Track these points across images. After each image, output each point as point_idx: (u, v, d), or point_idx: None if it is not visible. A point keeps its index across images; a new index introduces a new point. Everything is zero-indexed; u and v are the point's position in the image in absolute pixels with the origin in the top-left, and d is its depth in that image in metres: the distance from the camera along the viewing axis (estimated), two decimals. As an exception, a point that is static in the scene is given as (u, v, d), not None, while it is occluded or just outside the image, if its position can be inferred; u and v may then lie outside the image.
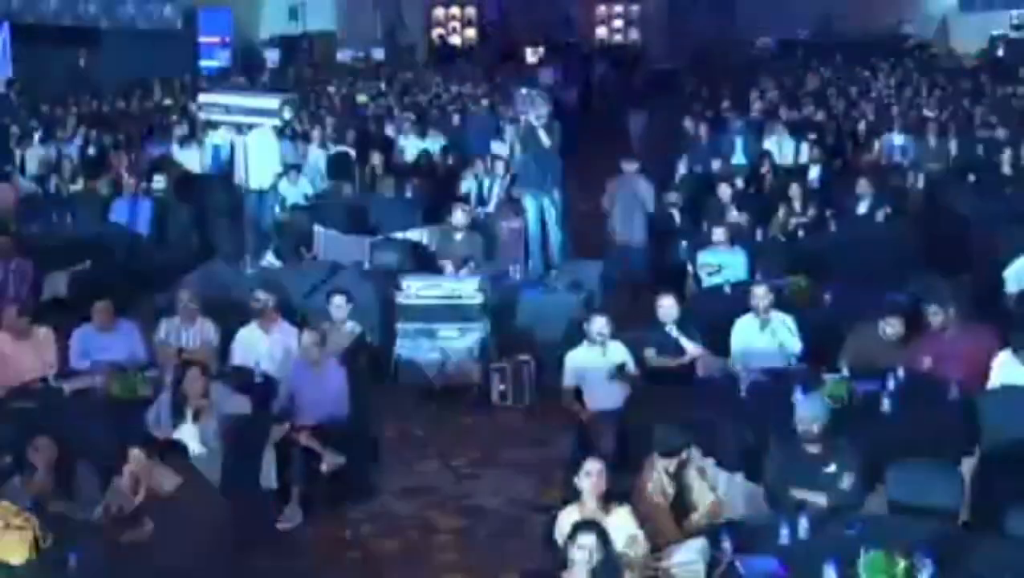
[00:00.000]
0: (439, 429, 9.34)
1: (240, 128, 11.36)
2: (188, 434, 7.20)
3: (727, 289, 10.10)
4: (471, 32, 36.08)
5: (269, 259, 11.18)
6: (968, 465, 7.13)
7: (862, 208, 12.10)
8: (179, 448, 6.42)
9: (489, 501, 8.20)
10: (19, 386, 8.19)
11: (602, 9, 34.11)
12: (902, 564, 5.45)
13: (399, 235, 12.08)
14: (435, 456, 8.87)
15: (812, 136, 15.28)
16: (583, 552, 5.40)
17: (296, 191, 13.68)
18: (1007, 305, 9.60)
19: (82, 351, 8.67)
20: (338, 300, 9.11)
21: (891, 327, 8.28)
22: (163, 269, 11.75)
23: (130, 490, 6.34)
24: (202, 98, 12.44)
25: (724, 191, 12.16)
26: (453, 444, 9.09)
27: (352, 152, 16.04)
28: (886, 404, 7.49)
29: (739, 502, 7.04)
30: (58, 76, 22.21)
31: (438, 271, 10.67)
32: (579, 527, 5.56)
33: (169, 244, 12.62)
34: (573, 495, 6.14)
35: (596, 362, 8.39)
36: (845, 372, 7.83)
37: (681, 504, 6.43)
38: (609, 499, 6.07)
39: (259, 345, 8.80)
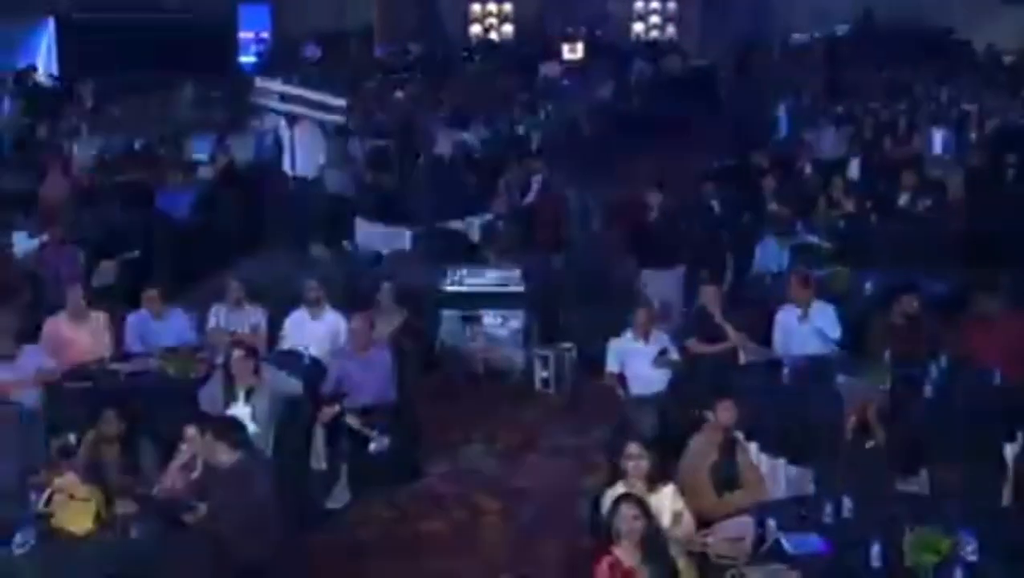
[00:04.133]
0: (482, 414, 9.46)
1: (290, 118, 11.52)
2: (240, 414, 7.36)
3: (768, 279, 10.19)
4: (508, 28, 36.13)
5: (316, 247, 11.31)
6: (1011, 450, 7.18)
7: (903, 200, 12.11)
8: (235, 425, 6.57)
9: (531, 484, 8.33)
10: (77, 367, 8.41)
11: (639, 5, 34.04)
12: (946, 542, 5.54)
13: (442, 225, 12.19)
14: (479, 440, 9.01)
15: (851, 129, 15.28)
16: (628, 523, 5.51)
17: (338, 182, 13.84)
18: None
19: (137, 336, 8.89)
20: (386, 287, 9.26)
21: (906, 306, 8.34)
22: (208, 257, 11.95)
23: (187, 466, 6.51)
24: (259, 83, 12.56)
25: (768, 183, 12.20)
26: (496, 429, 9.22)
27: (391, 145, 16.19)
28: (928, 390, 7.58)
29: (782, 485, 7.14)
30: (103, 71, 22.43)
31: (482, 260, 10.79)
32: (622, 499, 5.68)
33: (214, 233, 12.77)
34: (617, 476, 6.25)
35: (639, 349, 8.50)
36: (887, 358, 7.89)
37: (726, 482, 6.55)
38: (653, 479, 6.19)
39: (308, 330, 8.97)
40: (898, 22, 25.83)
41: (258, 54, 28.66)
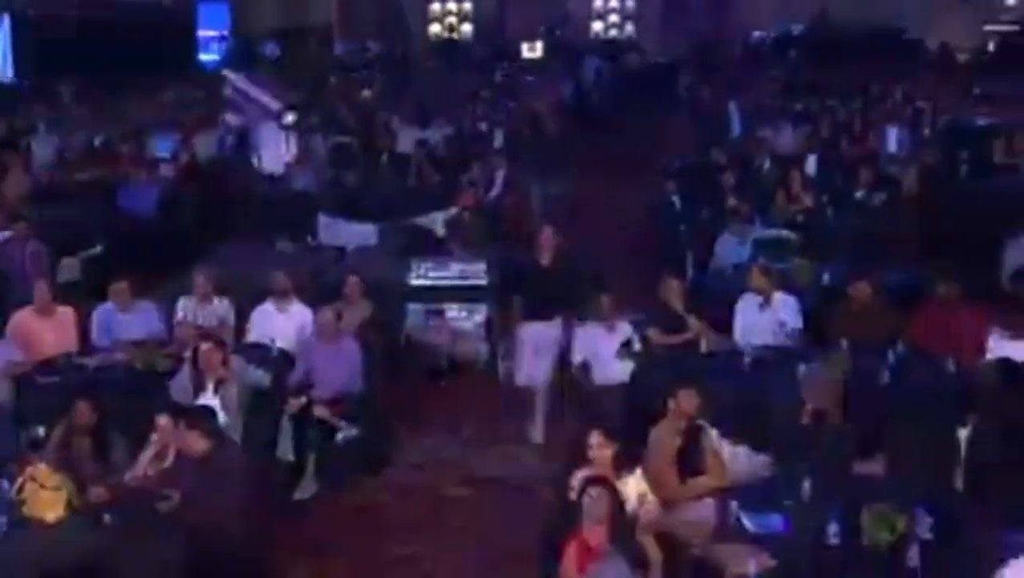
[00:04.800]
0: (448, 404, 9.59)
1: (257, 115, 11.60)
2: (209, 405, 7.42)
3: (729, 271, 10.37)
4: (468, 27, 36.31)
5: (281, 242, 11.38)
6: (963, 434, 7.39)
7: (859, 195, 12.36)
8: (207, 414, 6.66)
9: (496, 472, 8.48)
10: (43, 361, 8.45)
11: (598, 4, 34.33)
12: (902, 520, 5.73)
13: (406, 220, 12.29)
14: (444, 430, 9.13)
15: (809, 127, 15.55)
16: (595, 505, 5.65)
17: (302, 179, 13.91)
18: (1002, 286, 9.87)
19: (103, 329, 8.93)
20: (352, 280, 9.34)
21: (857, 291, 8.61)
22: (172, 253, 11.98)
23: (160, 455, 6.59)
24: (231, 76, 12.60)
25: (727, 179, 12.41)
26: (461, 418, 9.35)
27: (354, 142, 16.28)
28: (885, 376, 7.79)
29: (742, 470, 7.30)
30: (61, 69, 22.34)
31: (447, 254, 10.91)
32: (589, 481, 5.83)
33: (178, 229, 12.81)
34: (584, 462, 6.39)
35: (603, 339, 8.64)
36: (844, 346, 8.10)
37: (690, 467, 6.71)
38: (618, 466, 6.34)
39: (274, 322, 9.05)
40: (853, 22, 26.23)
41: (219, 52, 28.64)
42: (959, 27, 27.29)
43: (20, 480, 6.18)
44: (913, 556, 5.59)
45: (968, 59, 24.52)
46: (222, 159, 14.82)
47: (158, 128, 17.37)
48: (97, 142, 16.64)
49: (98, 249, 11.99)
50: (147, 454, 6.63)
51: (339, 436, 8.05)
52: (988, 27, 28.58)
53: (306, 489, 7.96)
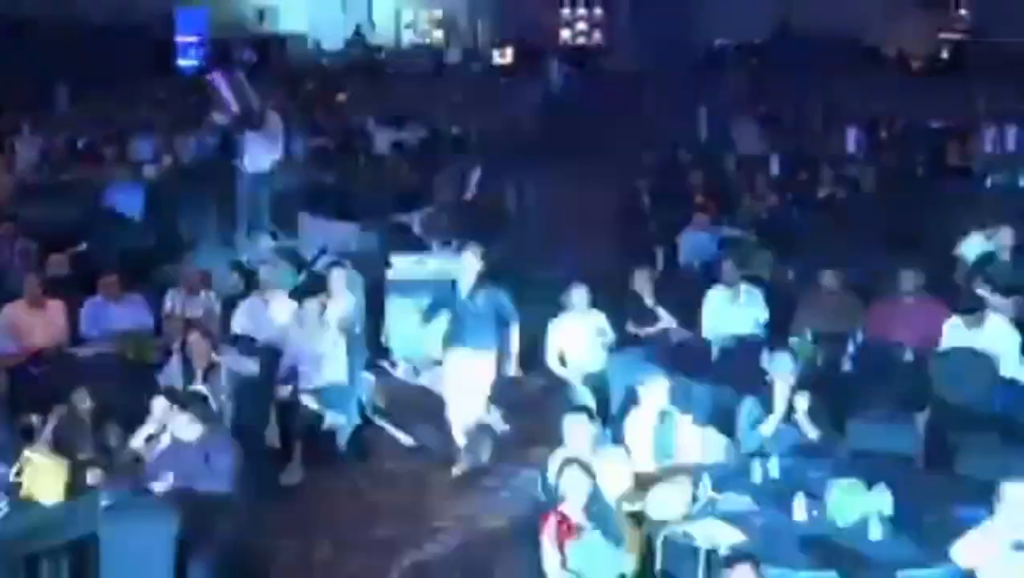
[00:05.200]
0: (428, 395, 9.67)
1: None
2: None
3: (696, 266, 10.55)
4: (438, 34, 36.45)
5: (264, 239, 11.47)
6: (921, 418, 7.59)
7: (821, 193, 12.59)
8: (200, 398, 6.76)
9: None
10: (34, 352, 8.51)
11: (566, 12, 34.58)
12: (863, 498, 5.91)
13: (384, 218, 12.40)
14: (425, 419, 9.21)
15: (772, 129, 15.79)
16: (573, 483, 5.79)
17: (282, 179, 13.97)
18: (956, 280, 10.06)
19: (92, 321, 9.02)
20: (336, 273, 9.44)
21: (827, 280, 8.89)
22: (155, 250, 12.03)
23: (155, 437, 6.68)
24: (216, 77, 12.67)
25: (695, 179, 12.61)
26: (442, 409, 9.42)
27: (330, 144, 16.37)
28: (847, 364, 8.00)
29: (711, 452, 7.45)
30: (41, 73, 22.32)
31: (425, 249, 11.02)
32: (567, 462, 5.97)
33: (161, 226, 12.85)
34: (562, 444, 6.54)
35: (578, 330, 8.79)
36: (809, 336, 8.29)
37: (662, 450, 6.87)
38: (595, 447, 6.49)
39: (259, 315, 9.14)
40: (813, 31, 26.57)
41: (196, 57, 28.63)
42: (914, 35, 27.69)
43: (18, 464, 6.26)
44: (875, 529, 5.77)
45: (923, 65, 24.93)
46: (205, 160, 14.87)
47: (139, 130, 17.42)
48: (80, 144, 16.68)
49: (84, 246, 12.03)
50: (143, 435, 6.71)
51: (325, 424, 8.16)
52: (942, 35, 29.01)
53: (293, 475, 8.05)
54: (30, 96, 19.75)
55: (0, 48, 22.79)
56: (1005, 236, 10.01)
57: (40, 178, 14.62)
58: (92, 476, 6.29)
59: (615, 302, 9.32)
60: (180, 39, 28.78)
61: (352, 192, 13.69)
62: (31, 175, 14.68)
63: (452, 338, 8.31)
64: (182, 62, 28.35)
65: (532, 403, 9.13)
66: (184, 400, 6.66)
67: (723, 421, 7.60)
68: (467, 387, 8.31)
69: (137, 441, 6.78)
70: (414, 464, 8.47)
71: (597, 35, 34.13)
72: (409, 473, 8.33)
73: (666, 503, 6.22)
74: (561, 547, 5.73)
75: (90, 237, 12.07)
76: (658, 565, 5.88)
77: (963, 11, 30.45)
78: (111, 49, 23.06)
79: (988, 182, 13.74)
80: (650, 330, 9.04)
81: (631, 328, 9.03)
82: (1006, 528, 5.30)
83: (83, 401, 6.87)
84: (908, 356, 8.16)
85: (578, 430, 6.42)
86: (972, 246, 10.30)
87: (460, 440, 8.31)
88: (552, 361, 8.85)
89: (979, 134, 15.73)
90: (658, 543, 5.95)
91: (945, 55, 28.56)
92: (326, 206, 13.11)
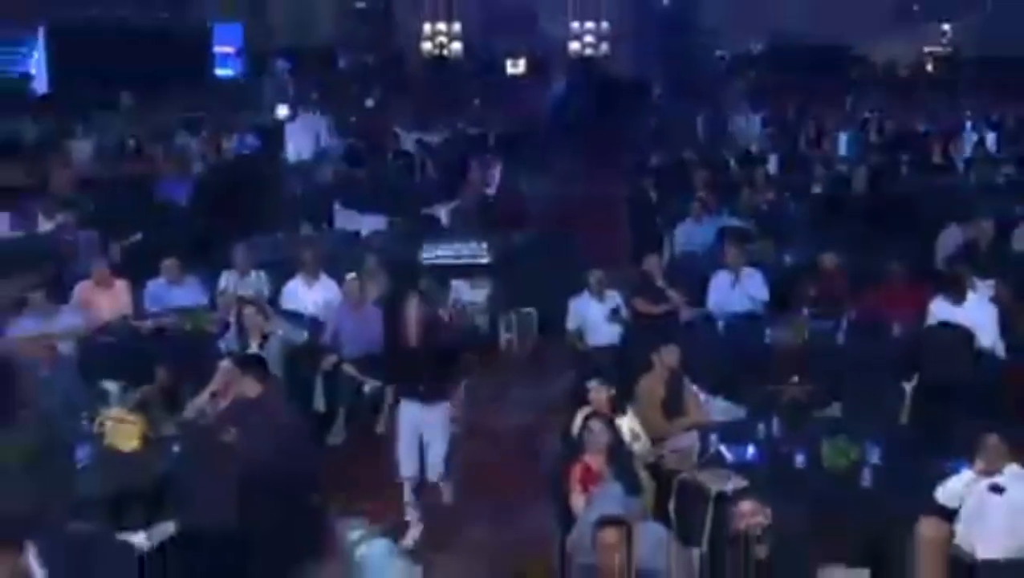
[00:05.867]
0: (457, 369, 9.92)
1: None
2: (254, 361, 7.81)
3: (700, 254, 10.82)
4: (457, 45, 36.73)
5: (305, 226, 11.76)
6: (908, 387, 7.85)
7: (816, 189, 12.84)
8: (260, 361, 7.05)
9: (502, 423, 8.91)
10: (102, 325, 8.84)
11: (575, 26, 34.86)
12: (856, 449, 6.21)
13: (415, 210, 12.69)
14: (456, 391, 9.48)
15: (771, 131, 16.05)
16: (595, 436, 6.10)
17: (320, 175, 14.30)
18: (937, 266, 10.34)
19: (154, 299, 9.34)
20: (372, 257, 9.76)
21: (825, 262, 9.26)
22: (204, 239, 12.32)
23: (219, 395, 6.99)
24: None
25: (700, 175, 12.87)
26: (470, 380, 9.71)
27: (361, 144, 16.66)
28: (840, 338, 8.28)
29: (718, 415, 7.75)
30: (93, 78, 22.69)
31: (453, 236, 11.31)
32: (590, 417, 6.28)
33: (211, 217, 13.14)
34: (583, 404, 6.83)
35: (595, 307, 9.09)
36: (806, 314, 8.57)
37: (673, 411, 7.16)
38: (614, 407, 6.79)
39: (303, 294, 9.45)
40: (806, 41, 26.85)
41: (232, 67, 28.99)
42: (901, 48, 27.96)
43: (99, 418, 6.58)
44: (866, 478, 6.07)
45: (909, 75, 25.23)
46: (249, 157, 15.19)
47: (184, 131, 17.74)
48: (130, 144, 17.00)
49: (139, 236, 12.34)
50: (208, 392, 7.02)
51: (365, 389, 8.47)
52: (927, 49, 29.30)
53: (337, 435, 8.37)
54: (83, 100, 20.06)
55: (59, 57, 23.20)
56: (986, 226, 10.30)
57: (95, 173, 14.91)
58: (165, 427, 6.62)
59: (628, 283, 9.62)
60: (217, 50, 29.08)
61: (384, 187, 13.95)
62: (87, 171, 14.97)
63: None
64: (219, 71, 28.69)
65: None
66: (247, 362, 6.95)
67: (728, 389, 7.93)
68: None
69: (201, 399, 7.08)
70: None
71: (604, 47, 34.36)
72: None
73: (678, 455, 6.55)
74: (585, 492, 6.05)
75: (145, 227, 12.41)
76: (672, 507, 6.19)
77: (946, 27, 30.70)
78: (158, 57, 23.42)
79: (968, 180, 13.98)
80: (660, 309, 9.30)
81: (641, 307, 9.30)
82: (983, 473, 5.61)
83: (163, 373, 7.22)
84: (896, 331, 8.41)
85: (598, 392, 6.72)
86: (952, 235, 10.59)
87: None
88: (570, 336, 9.16)
89: (960, 137, 16.01)
90: (672, 488, 6.28)
91: (930, 67, 28.81)
92: (358, 199, 13.39)
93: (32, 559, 4.74)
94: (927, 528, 4.72)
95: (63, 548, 4.94)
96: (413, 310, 7.05)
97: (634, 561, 4.93)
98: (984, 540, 5.45)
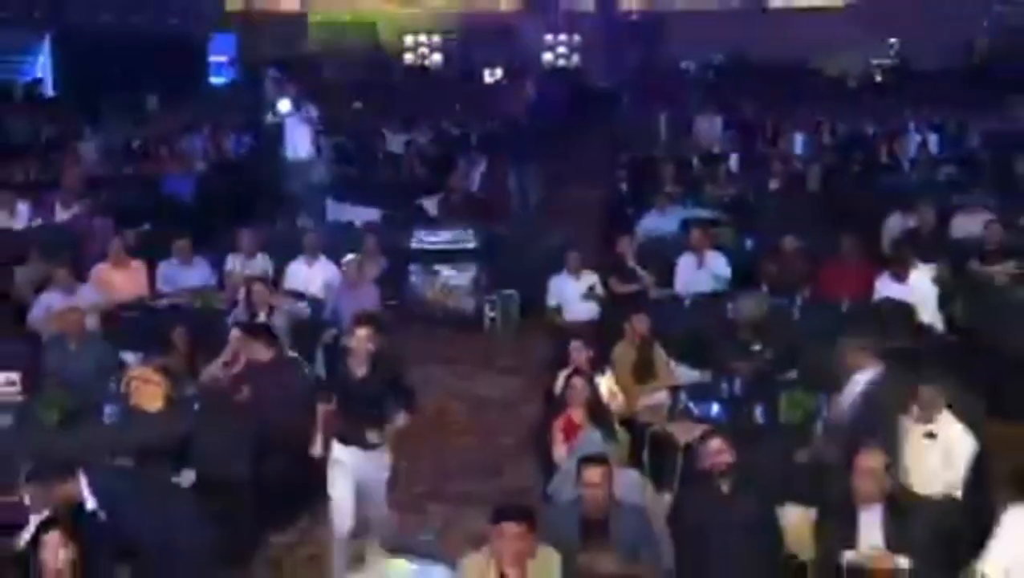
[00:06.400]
0: (444, 344, 10.25)
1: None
2: (262, 333, 8.06)
3: (669, 238, 11.14)
4: (436, 57, 36.96)
5: (301, 217, 12.01)
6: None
7: (773, 185, 13.19)
8: (269, 329, 7.32)
9: (487, 393, 9.19)
10: (121, 303, 9.08)
11: (549, 38, 35.20)
12: (811, 401, 6.55)
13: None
14: (442, 363, 9.79)
15: (731, 132, 16.42)
16: (577, 391, 6.40)
17: (315, 172, 14.52)
18: (883, 251, 10.70)
19: (167, 279, 9.58)
20: (370, 239, 10.03)
21: (786, 244, 9.60)
22: (206, 230, 12.54)
23: (230, 361, 7.25)
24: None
25: (667, 170, 13.21)
26: (455, 354, 10.02)
27: (350, 143, 16.92)
28: (796, 313, 8.63)
29: (685, 380, 8.07)
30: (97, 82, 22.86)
31: (440, 224, 11.59)
32: (572, 374, 6.59)
33: (212, 209, 13.37)
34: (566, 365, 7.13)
35: (572, 285, 9.40)
36: (765, 290, 8.92)
37: (644, 373, 7.48)
38: (594, 367, 7.11)
39: (305, 274, 9.71)
40: (764, 54, 27.37)
41: (227, 75, 29.21)
42: (851, 61, 28.53)
43: (126, 380, 6.83)
44: (817, 429, 6.40)
45: (858, 84, 25.79)
46: (249, 155, 15.43)
47: (185, 132, 17.95)
48: (135, 144, 17.20)
49: (147, 226, 12.54)
50: (222, 358, 7.28)
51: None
52: (874, 61, 29.89)
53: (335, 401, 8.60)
54: (87, 103, 20.24)
55: (63, 63, 23.33)
56: (927, 214, 10.69)
57: (104, 171, 15.10)
58: (187, 389, 6.88)
59: (602, 266, 9.94)
60: (213, 59, 29.28)
61: (374, 182, 14.21)
62: (97, 169, 15.15)
63: None
64: (214, 79, 28.90)
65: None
66: (256, 330, 7.22)
67: (694, 357, 8.25)
68: None
69: (216, 365, 7.34)
70: (435, 396, 9.05)
71: (575, 58, 34.69)
72: (431, 404, 8.90)
73: (651, 410, 6.87)
74: (568, 442, 6.35)
75: (151, 219, 12.62)
76: (645, 456, 6.51)
77: (892, 40, 31.28)
78: (159, 65, 23.64)
79: (911, 177, 14.39)
80: (632, 287, 9.62)
81: (615, 286, 9.61)
82: (919, 421, 5.97)
83: (182, 336, 7.48)
84: (844, 306, 8.78)
85: (579, 352, 7.03)
86: (895, 223, 11.00)
87: None
88: (549, 313, 9.47)
89: (904, 139, 16.44)
90: (645, 440, 6.61)
91: (878, 78, 29.37)
92: (349, 193, 13.62)
93: (84, 487, 4.99)
94: (864, 458, 5.05)
95: (110, 480, 5.18)
96: (363, 343, 5.90)
97: (614, 498, 5.21)
98: (921, 479, 5.79)
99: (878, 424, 5.93)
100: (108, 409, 6.55)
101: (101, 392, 6.93)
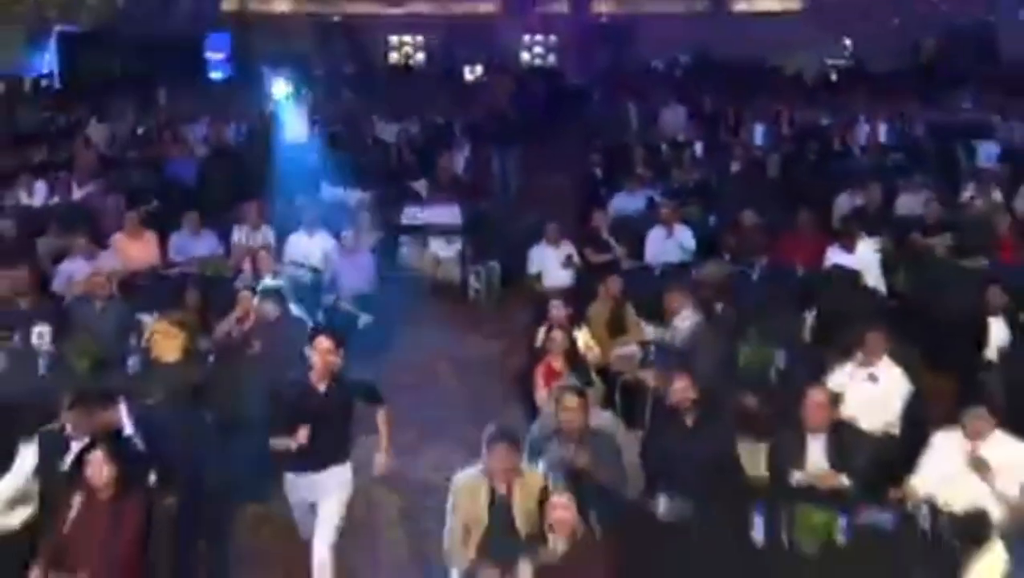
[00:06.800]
0: (434, 310, 10.54)
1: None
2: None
3: (638, 216, 11.47)
4: (420, 56, 37.10)
5: (298, 197, 12.21)
6: (809, 317, 8.58)
7: (734, 169, 13.54)
8: (277, 290, 7.58)
9: (473, 354, 9.52)
10: (135, 271, 9.33)
11: (527, 39, 35.42)
12: (769, 353, 6.90)
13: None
14: (433, 327, 10.09)
15: (696, 121, 16.75)
16: (556, 341, 6.74)
17: (308, 156, 14.76)
18: (833, 226, 11.06)
19: (178, 249, 9.84)
20: (365, 214, 10.31)
21: (745, 218, 9.94)
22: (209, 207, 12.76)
23: (241, 319, 7.51)
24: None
25: (638, 154, 13.53)
26: (444, 320, 10.32)
27: (343, 130, 17.13)
28: (754, 278, 9.00)
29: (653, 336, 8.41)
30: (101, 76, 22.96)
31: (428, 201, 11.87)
32: (551, 327, 6.92)
33: (212, 190, 13.56)
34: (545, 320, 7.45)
35: (551, 254, 9.72)
36: (727, 258, 9.27)
37: (617, 330, 7.82)
38: (572, 321, 7.44)
39: (305, 245, 9.96)
40: (727, 54, 27.81)
41: (222, 71, 29.34)
42: (808, 59, 28.98)
43: (147, 334, 7.10)
44: (772, 375, 6.76)
45: (815, 81, 26.25)
46: (248, 141, 15.64)
47: (187, 120, 18.10)
48: (140, 131, 17.36)
49: (154, 204, 12.76)
50: (233, 316, 7.55)
51: (359, 323, 9.03)
52: (830, 61, 30.36)
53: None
54: (98, 94, 20.40)
55: (69, 59, 23.45)
56: (874, 193, 11.09)
57: (113, 155, 15.29)
58: (202, 342, 7.15)
59: (578, 236, 10.26)
60: (209, 55, 29.37)
61: (366, 167, 14.42)
62: (106, 152, 15.34)
63: None
64: (212, 74, 29.02)
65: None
66: (264, 291, 7.49)
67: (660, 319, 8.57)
68: None
69: (227, 322, 7.61)
70: (424, 357, 9.38)
71: (551, 58, 34.92)
72: (422, 364, 9.24)
73: (623, 359, 7.21)
74: (548, 386, 6.68)
75: (158, 198, 12.83)
76: (617, 399, 6.85)
77: (847, 42, 31.73)
78: (161, 60, 23.87)
79: (862, 163, 14.77)
80: (606, 257, 9.94)
81: (590, 256, 9.93)
82: (862, 365, 6.34)
83: (193, 297, 7.75)
84: (799, 272, 9.15)
85: (559, 308, 7.36)
86: (845, 201, 11.39)
87: None
88: (529, 280, 9.78)
89: (855, 129, 16.84)
90: (617, 386, 6.95)
91: (833, 77, 29.82)
92: (343, 177, 13.84)
93: (124, 415, 5.26)
94: (813, 393, 5.41)
95: (145, 412, 5.45)
96: (324, 356, 5.31)
97: (588, 427, 5.53)
98: (862, 414, 6.17)
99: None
100: (131, 361, 6.82)
101: (122, 348, 7.18)
